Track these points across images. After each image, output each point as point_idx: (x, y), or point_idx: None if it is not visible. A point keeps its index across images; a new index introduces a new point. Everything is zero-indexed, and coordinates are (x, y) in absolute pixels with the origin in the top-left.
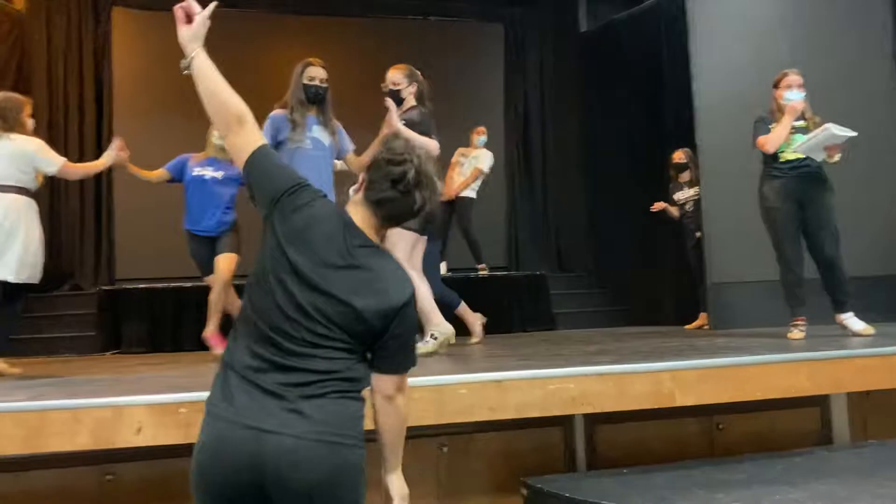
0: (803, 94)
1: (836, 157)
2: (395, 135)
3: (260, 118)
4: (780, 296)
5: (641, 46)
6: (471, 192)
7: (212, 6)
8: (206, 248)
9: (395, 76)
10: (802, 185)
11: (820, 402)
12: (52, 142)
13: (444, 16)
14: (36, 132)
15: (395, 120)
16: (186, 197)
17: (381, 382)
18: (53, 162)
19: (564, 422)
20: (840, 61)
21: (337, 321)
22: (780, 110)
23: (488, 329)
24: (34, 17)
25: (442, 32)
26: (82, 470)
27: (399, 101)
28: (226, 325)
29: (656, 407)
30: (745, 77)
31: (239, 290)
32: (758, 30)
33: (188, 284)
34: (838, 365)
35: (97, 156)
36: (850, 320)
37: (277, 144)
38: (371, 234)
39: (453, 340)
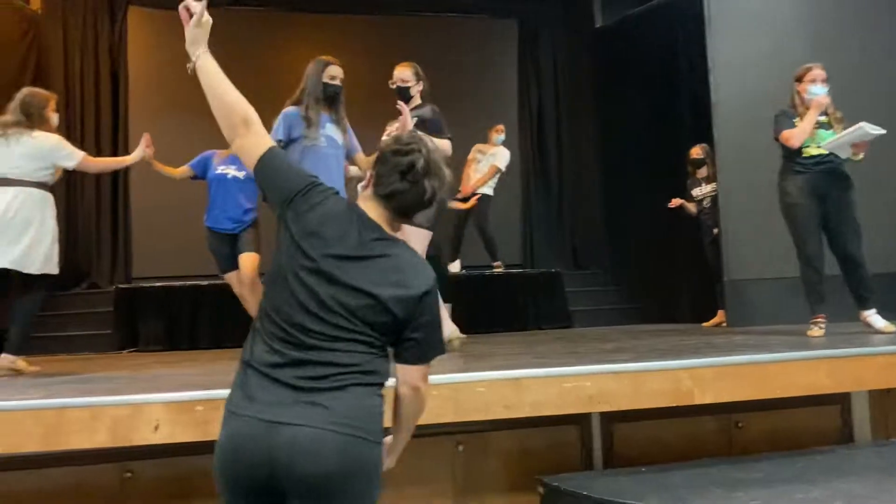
0: (827, 88)
1: (861, 155)
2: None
3: (268, 116)
4: (799, 293)
5: (656, 41)
6: (488, 190)
7: (203, 4)
8: (227, 245)
9: (404, 73)
10: (825, 180)
11: (840, 400)
12: (69, 140)
13: (457, 12)
14: (56, 129)
15: (409, 122)
16: (210, 194)
17: (408, 373)
18: (73, 157)
19: (581, 420)
20: (856, 58)
21: (360, 314)
22: (803, 104)
23: (504, 326)
24: (50, 17)
25: (454, 29)
26: (101, 467)
27: (407, 98)
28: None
29: (674, 405)
30: (761, 72)
31: None
32: (774, 25)
33: (205, 283)
34: (859, 362)
35: (113, 154)
36: (873, 317)
37: (290, 141)
38: (385, 227)
39: (457, 341)
